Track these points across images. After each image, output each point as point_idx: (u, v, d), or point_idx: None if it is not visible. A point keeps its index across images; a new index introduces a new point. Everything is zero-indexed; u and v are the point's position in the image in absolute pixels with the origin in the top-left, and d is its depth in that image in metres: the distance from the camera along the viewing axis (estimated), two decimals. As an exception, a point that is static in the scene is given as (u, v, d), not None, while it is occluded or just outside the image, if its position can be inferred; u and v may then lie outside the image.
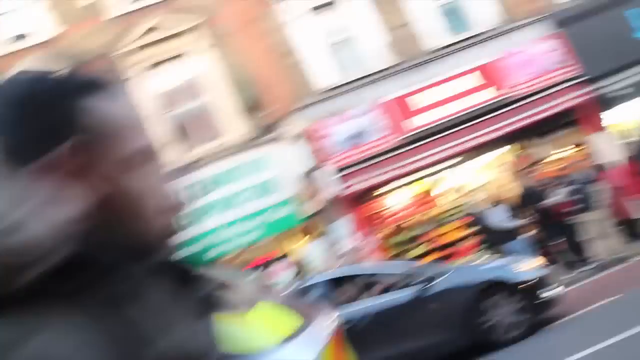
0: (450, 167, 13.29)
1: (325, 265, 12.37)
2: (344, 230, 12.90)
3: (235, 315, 1.33)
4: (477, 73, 13.20)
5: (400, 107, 13.08)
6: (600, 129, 13.41)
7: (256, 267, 12.80)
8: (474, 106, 13.03)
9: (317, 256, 12.91)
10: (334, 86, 13.25)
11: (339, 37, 13.62)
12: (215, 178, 12.74)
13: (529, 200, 11.38)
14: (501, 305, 7.45)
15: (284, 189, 13.14)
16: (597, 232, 10.61)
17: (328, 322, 1.51)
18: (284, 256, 13.35)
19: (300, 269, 12.35)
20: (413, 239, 13.19)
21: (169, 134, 13.12)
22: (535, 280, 7.64)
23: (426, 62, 13.34)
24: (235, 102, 13.53)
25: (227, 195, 12.99)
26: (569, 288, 8.98)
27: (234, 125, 13.50)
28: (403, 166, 12.56)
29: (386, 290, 7.87)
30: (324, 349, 1.26)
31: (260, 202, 13.07)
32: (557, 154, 13.39)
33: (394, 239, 13.14)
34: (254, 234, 13.10)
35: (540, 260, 8.73)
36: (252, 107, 13.45)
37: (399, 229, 13.29)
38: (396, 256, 12.76)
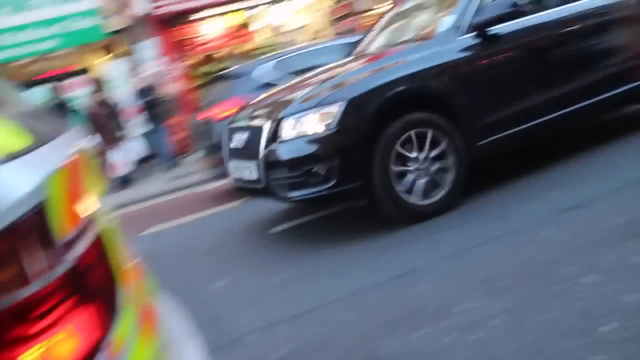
0: (269, 3, 12.89)
1: (126, 85, 11.78)
2: (150, 52, 12.22)
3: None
4: None
5: None
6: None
7: (49, 79, 11.83)
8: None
9: (119, 75, 12.22)
10: None
11: None
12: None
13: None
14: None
15: (88, -2, 12.00)
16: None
17: (71, 145, 1.26)
18: (83, 71, 12.45)
19: (99, 86, 11.58)
20: (221, 70, 12.85)
21: None
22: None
23: None
24: None
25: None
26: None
27: None
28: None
29: None
30: (54, 174, 1.02)
31: (60, 9, 11.84)
32: (377, 8, 13.43)
33: (202, 69, 12.72)
34: (50, 43, 11.96)
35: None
36: None
37: (208, 59, 12.85)
38: (202, 86, 12.41)
